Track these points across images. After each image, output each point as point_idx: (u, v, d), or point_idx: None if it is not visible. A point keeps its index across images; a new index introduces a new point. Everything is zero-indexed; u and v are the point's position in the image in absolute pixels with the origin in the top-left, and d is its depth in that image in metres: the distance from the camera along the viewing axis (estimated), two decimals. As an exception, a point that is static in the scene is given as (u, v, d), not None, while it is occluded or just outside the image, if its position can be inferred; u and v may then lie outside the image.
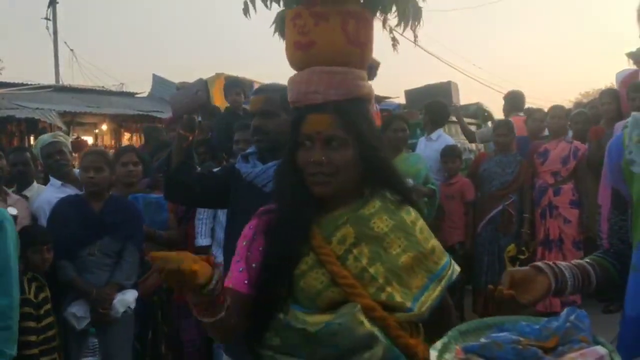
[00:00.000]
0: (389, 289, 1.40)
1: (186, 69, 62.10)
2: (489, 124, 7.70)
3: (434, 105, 5.62)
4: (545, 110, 5.61)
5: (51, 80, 16.72)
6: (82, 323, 3.16)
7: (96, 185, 3.32)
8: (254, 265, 1.46)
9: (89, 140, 10.79)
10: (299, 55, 1.52)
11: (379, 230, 1.44)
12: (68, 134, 9.05)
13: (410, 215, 1.50)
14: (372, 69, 4.11)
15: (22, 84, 12.60)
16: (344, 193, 1.46)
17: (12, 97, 10.89)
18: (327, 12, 1.49)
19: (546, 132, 5.36)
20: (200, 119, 2.10)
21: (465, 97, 9.55)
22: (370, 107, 1.57)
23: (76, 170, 3.95)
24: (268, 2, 1.63)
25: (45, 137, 4.14)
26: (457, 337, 1.17)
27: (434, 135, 5.42)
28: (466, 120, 6.94)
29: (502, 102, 6.38)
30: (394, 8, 1.59)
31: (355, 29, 1.49)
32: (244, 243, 1.50)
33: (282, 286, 1.42)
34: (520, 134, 5.29)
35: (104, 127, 11.66)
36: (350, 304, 1.37)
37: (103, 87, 16.04)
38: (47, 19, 18.51)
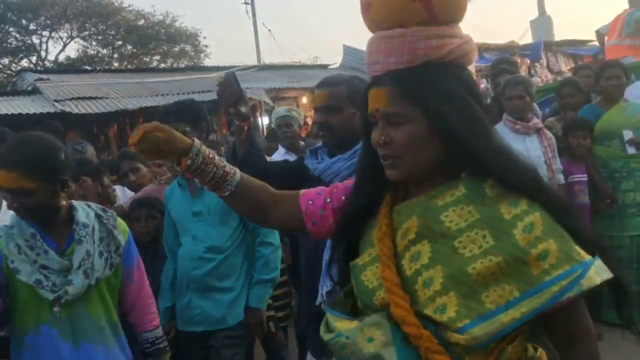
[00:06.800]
0: (442, 299, 1.12)
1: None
2: None
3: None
4: None
5: (253, 60, 18.22)
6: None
7: None
8: (328, 200, 1.40)
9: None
10: (364, 21, 1.29)
11: (450, 225, 1.15)
12: (273, 109, 9.83)
13: (516, 208, 1.13)
14: None
15: (231, 67, 13.92)
16: (427, 176, 1.23)
17: (224, 80, 12.11)
18: None
19: None
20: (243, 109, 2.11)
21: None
22: (460, 69, 1.23)
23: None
24: None
25: (281, 110, 4.71)
26: None
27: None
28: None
29: None
30: None
31: None
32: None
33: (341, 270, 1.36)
34: None
35: (304, 99, 12.38)
36: (381, 313, 1.17)
37: (300, 62, 17.04)
38: (246, 3, 20.08)
